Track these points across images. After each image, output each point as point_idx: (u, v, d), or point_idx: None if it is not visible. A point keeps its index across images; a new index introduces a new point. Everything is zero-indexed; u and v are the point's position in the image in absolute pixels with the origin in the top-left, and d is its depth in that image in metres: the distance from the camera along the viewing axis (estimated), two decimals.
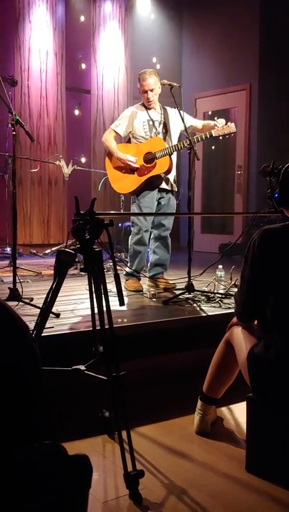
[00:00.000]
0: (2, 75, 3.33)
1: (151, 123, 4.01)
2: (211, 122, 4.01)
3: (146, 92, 3.97)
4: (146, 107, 4.05)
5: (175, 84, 3.85)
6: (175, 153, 3.99)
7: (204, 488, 2.00)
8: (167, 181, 4.03)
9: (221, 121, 3.90)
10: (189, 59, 7.81)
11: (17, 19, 6.43)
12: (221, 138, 3.97)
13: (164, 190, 4.04)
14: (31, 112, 6.60)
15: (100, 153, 7.04)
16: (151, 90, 3.95)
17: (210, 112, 7.54)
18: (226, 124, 3.85)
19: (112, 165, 4.10)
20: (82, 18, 7.06)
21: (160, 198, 4.05)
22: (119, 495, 1.95)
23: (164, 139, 3.99)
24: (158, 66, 7.26)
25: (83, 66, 7.17)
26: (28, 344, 1.10)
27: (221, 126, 3.83)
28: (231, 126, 3.83)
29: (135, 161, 3.95)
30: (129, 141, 4.15)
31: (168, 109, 4.08)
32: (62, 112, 6.83)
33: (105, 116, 7.18)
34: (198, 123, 4.13)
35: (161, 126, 4.03)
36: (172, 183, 4.06)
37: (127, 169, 4.02)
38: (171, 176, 4.04)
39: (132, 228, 4.11)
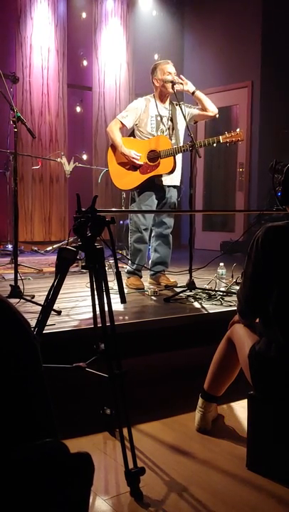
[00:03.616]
0: (4, 72, 3.32)
1: (159, 119, 3.98)
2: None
3: (170, 75, 3.90)
4: (159, 98, 3.98)
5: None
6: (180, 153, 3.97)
7: (205, 486, 2.00)
8: (170, 178, 4.00)
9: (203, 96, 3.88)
10: (191, 56, 7.79)
11: (18, 16, 6.42)
12: (228, 145, 3.90)
13: (167, 186, 4.02)
14: (33, 109, 6.59)
15: (102, 151, 7.03)
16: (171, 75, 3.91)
17: None
18: (235, 131, 3.80)
19: (115, 159, 4.04)
20: (84, 15, 7.04)
21: (161, 196, 4.04)
22: (120, 492, 1.95)
23: (170, 136, 3.97)
24: None
25: (85, 63, 7.16)
26: (29, 341, 1.10)
27: (229, 134, 3.77)
28: (240, 134, 3.76)
29: (139, 158, 3.93)
30: (133, 132, 4.10)
31: (175, 104, 4.03)
32: (63, 108, 6.82)
33: (107, 114, 7.17)
34: (195, 111, 4.06)
35: (169, 122, 4.00)
36: (175, 179, 4.04)
37: (130, 165, 3.98)
38: (176, 173, 4.01)
39: (129, 226, 4.09)
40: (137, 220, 3.99)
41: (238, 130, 3.80)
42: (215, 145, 3.78)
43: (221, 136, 3.78)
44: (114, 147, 4.04)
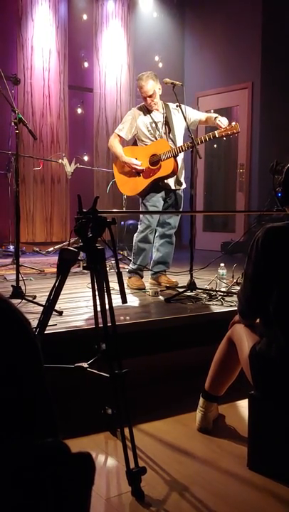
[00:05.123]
0: (5, 74, 3.33)
1: (154, 125, 4.03)
2: (213, 115, 3.99)
3: (145, 98, 3.99)
4: (148, 107, 4.05)
5: (177, 82, 3.86)
6: (182, 153, 3.99)
7: (206, 485, 2.01)
8: (174, 181, 4.03)
9: (224, 121, 3.87)
10: (191, 57, 7.80)
11: (20, 18, 6.44)
12: (224, 139, 3.95)
13: (173, 190, 4.05)
14: (34, 111, 6.61)
15: (103, 152, 7.05)
16: (150, 96, 3.96)
17: (212, 111, 7.51)
18: (230, 124, 3.83)
19: (118, 169, 4.18)
20: (85, 17, 7.06)
21: (167, 197, 4.07)
22: (122, 492, 1.96)
23: (169, 139, 4.00)
24: (160, 64, 7.26)
25: (86, 65, 7.17)
26: (29, 338, 1.10)
27: (224, 127, 3.81)
28: (235, 126, 3.79)
29: (140, 164, 3.99)
30: (135, 142, 4.17)
31: (170, 106, 4.07)
32: (64, 110, 6.83)
33: (108, 115, 7.19)
34: (202, 116, 4.11)
35: (164, 126, 4.04)
36: (180, 181, 4.06)
37: (133, 172, 4.06)
38: (179, 175, 4.04)
39: (139, 225, 4.12)
40: (145, 220, 4.03)
41: (233, 123, 3.83)
42: (211, 139, 3.81)
43: (216, 132, 3.81)
44: (116, 160, 4.16)
